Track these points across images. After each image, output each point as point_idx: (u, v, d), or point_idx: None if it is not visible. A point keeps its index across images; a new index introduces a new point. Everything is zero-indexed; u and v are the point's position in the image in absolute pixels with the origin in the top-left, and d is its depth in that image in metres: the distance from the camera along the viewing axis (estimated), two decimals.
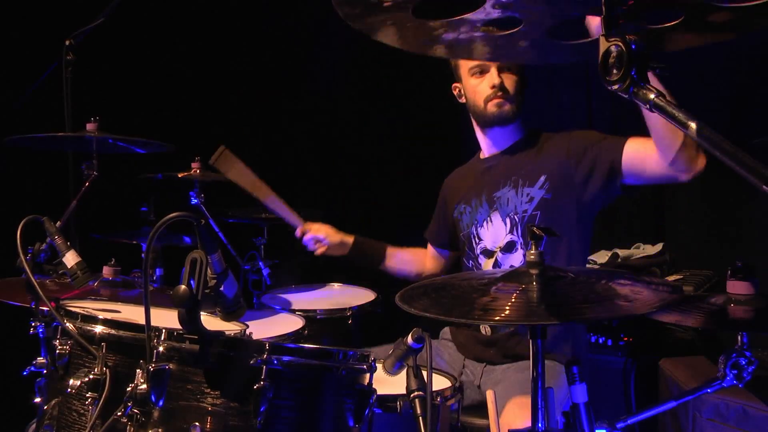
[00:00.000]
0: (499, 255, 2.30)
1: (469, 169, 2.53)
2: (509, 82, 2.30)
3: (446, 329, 2.51)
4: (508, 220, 2.28)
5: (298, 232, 2.63)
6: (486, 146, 2.44)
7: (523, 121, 2.38)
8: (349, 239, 2.66)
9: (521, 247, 2.26)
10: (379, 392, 1.56)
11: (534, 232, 1.32)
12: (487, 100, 2.30)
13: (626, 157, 2.09)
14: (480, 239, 2.36)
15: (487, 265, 2.34)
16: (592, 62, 0.93)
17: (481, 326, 2.31)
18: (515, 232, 2.27)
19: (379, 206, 3.97)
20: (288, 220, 2.62)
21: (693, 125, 0.82)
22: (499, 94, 2.28)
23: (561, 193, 2.21)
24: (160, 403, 1.37)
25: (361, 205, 3.91)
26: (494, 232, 2.31)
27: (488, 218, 2.33)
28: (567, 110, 3.69)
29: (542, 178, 2.23)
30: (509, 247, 2.29)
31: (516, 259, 2.27)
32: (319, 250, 2.64)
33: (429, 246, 2.70)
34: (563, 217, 2.19)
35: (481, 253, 2.36)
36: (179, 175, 2.85)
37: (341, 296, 2.94)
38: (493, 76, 2.28)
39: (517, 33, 1.16)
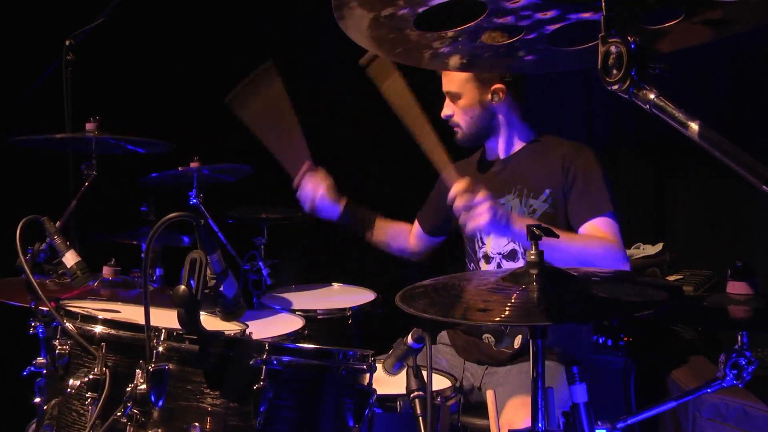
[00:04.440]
0: (502, 261, 2.30)
1: (472, 167, 2.48)
2: (453, 108, 2.32)
3: (443, 333, 2.48)
4: (475, 233, 2.27)
5: (294, 184, 2.44)
6: (488, 150, 2.43)
7: (528, 126, 2.36)
8: (342, 202, 2.49)
9: (522, 257, 2.26)
10: (379, 392, 1.56)
11: (534, 232, 1.32)
12: None
13: (579, 230, 2.17)
14: (483, 243, 2.35)
15: (486, 269, 2.33)
16: (592, 66, 0.94)
17: (483, 337, 2.30)
18: (517, 241, 2.26)
19: (380, 206, 3.97)
20: (287, 167, 2.42)
21: (693, 125, 0.82)
22: (450, 122, 2.35)
23: (560, 209, 2.21)
24: (160, 403, 1.37)
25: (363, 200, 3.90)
26: (496, 238, 2.30)
27: None
28: (568, 113, 3.69)
29: (547, 192, 2.22)
30: (512, 255, 2.28)
31: (514, 267, 2.26)
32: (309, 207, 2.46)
33: (416, 225, 2.64)
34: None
35: (482, 257, 2.35)
36: (180, 169, 2.83)
37: (341, 296, 2.94)
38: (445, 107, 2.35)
39: (518, 42, 1.16)
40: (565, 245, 1.99)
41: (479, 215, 1.90)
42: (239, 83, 2.41)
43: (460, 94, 2.30)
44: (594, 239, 2.11)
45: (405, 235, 2.67)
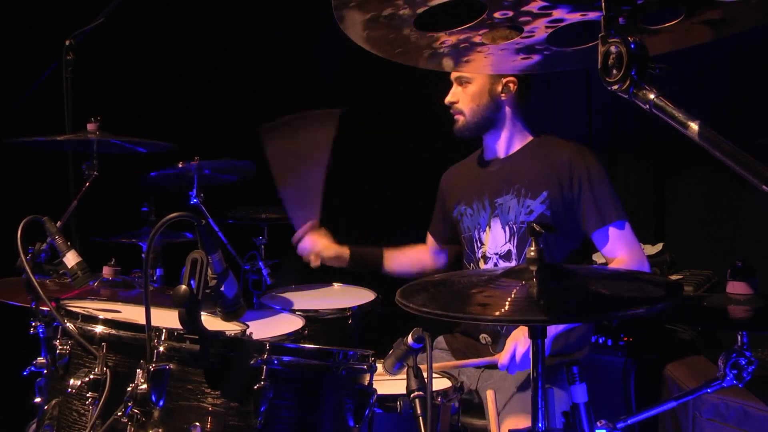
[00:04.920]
0: (498, 261, 2.30)
1: (470, 167, 2.49)
2: (459, 94, 2.31)
3: (440, 338, 2.48)
4: (507, 228, 2.27)
5: (294, 237, 2.56)
6: (487, 149, 2.42)
7: (528, 126, 2.35)
8: (345, 252, 2.58)
9: (515, 258, 2.26)
10: (379, 392, 1.56)
11: (534, 229, 1.32)
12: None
13: (593, 237, 2.20)
14: (481, 243, 2.35)
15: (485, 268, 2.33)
16: (592, 65, 0.94)
17: (480, 336, 2.30)
18: (512, 241, 2.26)
19: (378, 206, 3.97)
20: (293, 219, 2.52)
21: (693, 125, 0.82)
22: (452, 109, 2.33)
23: (559, 212, 2.20)
24: (161, 403, 1.37)
25: (361, 206, 3.91)
26: (495, 238, 2.30)
27: (489, 223, 2.32)
28: (568, 113, 3.69)
29: (544, 194, 2.21)
30: (507, 256, 2.28)
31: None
32: (314, 263, 2.58)
33: (430, 241, 2.66)
34: (559, 235, 2.19)
35: (481, 257, 2.35)
36: (181, 164, 2.79)
37: (341, 296, 2.94)
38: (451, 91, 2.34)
39: (519, 42, 1.16)
40: None
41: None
42: (282, 116, 2.45)
43: (471, 80, 2.28)
44: (621, 265, 2.13)
45: (420, 258, 2.67)
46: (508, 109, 2.31)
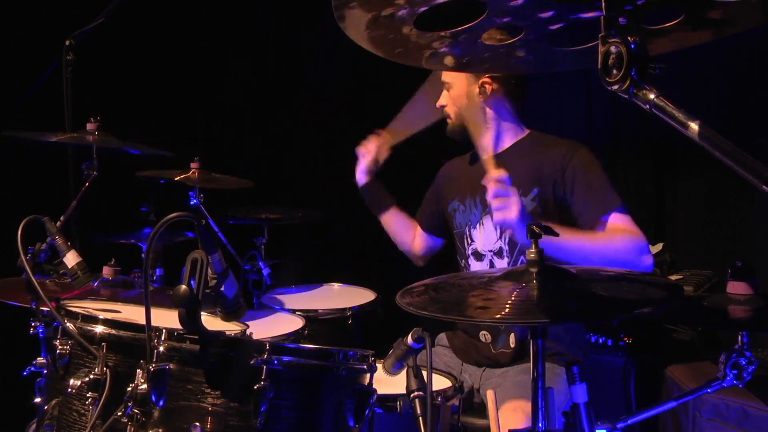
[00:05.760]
0: (493, 259, 2.30)
1: (466, 164, 2.49)
2: (446, 99, 2.34)
3: (442, 335, 2.48)
4: (498, 226, 2.27)
5: (374, 133, 2.60)
6: (480, 147, 2.42)
7: (519, 124, 2.35)
8: (371, 176, 2.58)
9: (507, 255, 2.26)
10: (379, 392, 1.56)
11: (533, 230, 1.32)
12: None
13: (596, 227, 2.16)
14: (472, 240, 2.35)
15: (476, 266, 2.33)
16: (591, 66, 0.94)
17: (480, 334, 2.30)
18: (503, 239, 2.26)
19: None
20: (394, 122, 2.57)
21: (693, 125, 0.82)
22: (443, 112, 2.37)
23: (549, 208, 2.19)
24: (161, 403, 1.37)
25: (360, 205, 3.91)
26: (486, 236, 2.30)
27: (481, 221, 2.32)
28: (567, 112, 3.69)
29: (535, 191, 2.20)
30: (499, 253, 2.28)
31: (502, 264, 2.27)
32: (362, 159, 2.59)
33: (418, 228, 2.67)
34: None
35: (471, 254, 2.35)
36: (176, 178, 2.82)
37: (341, 296, 2.94)
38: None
39: (517, 42, 1.16)
40: (589, 245, 2.00)
41: (509, 208, 1.87)
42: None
43: (451, 84, 2.32)
44: (614, 233, 2.07)
45: (411, 232, 2.68)
46: (489, 110, 2.31)
